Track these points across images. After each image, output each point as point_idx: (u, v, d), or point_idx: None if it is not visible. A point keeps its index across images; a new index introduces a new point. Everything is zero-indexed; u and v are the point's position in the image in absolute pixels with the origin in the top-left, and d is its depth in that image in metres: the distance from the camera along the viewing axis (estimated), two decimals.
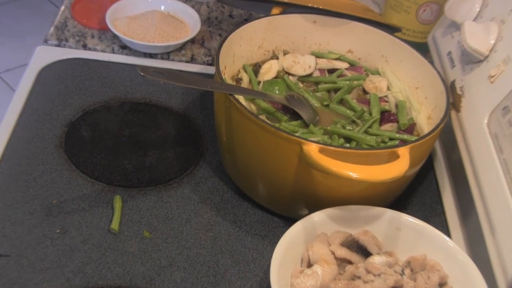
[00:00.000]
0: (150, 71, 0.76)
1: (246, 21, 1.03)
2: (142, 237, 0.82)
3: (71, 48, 1.10)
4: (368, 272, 0.74)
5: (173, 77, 0.79)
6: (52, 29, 1.12)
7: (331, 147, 0.75)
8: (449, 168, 0.99)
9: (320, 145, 0.74)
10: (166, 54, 1.11)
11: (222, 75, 0.85)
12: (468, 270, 0.76)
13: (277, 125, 0.83)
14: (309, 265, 0.77)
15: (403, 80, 0.96)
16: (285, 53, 0.98)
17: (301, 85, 0.94)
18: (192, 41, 1.14)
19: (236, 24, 1.20)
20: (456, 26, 0.96)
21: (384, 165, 0.74)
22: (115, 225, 0.82)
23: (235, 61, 0.94)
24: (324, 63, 0.97)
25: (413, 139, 0.82)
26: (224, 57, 0.88)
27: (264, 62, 0.97)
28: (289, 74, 0.95)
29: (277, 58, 0.97)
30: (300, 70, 0.95)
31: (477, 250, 0.85)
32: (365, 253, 0.77)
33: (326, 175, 0.74)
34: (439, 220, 0.92)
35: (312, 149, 0.74)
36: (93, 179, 0.88)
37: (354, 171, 0.72)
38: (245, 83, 0.93)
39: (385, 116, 0.90)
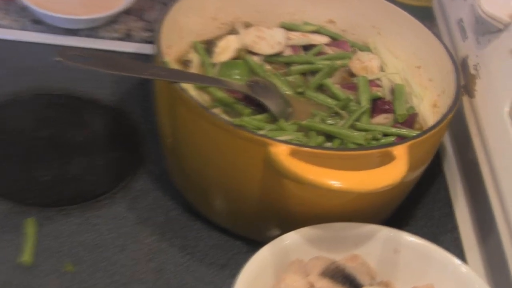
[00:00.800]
0: (70, 55, 0.76)
1: None
2: (63, 271, 0.82)
3: None
4: None
5: (102, 63, 0.79)
6: None
7: (306, 148, 0.75)
8: (462, 170, 1.00)
9: (291, 146, 0.74)
10: (93, 30, 1.11)
11: (165, 56, 0.85)
12: None
13: (236, 120, 0.83)
14: None
15: (400, 57, 0.97)
16: (247, 26, 0.98)
17: (268, 67, 0.95)
18: (127, 12, 1.14)
19: None
20: None
21: (376, 170, 0.74)
22: (27, 256, 0.82)
23: (182, 37, 0.94)
24: (298, 38, 0.98)
25: (414, 135, 0.83)
26: (168, 33, 0.88)
27: (219, 38, 0.97)
28: (253, 53, 0.96)
29: (237, 33, 0.97)
30: (267, 48, 0.95)
31: (499, 276, 0.86)
32: (354, 285, 0.77)
33: (301, 185, 0.74)
34: (450, 238, 0.93)
35: (281, 151, 0.74)
36: None
37: (337, 179, 0.72)
38: (195, 67, 0.93)
39: (378, 105, 0.91)
